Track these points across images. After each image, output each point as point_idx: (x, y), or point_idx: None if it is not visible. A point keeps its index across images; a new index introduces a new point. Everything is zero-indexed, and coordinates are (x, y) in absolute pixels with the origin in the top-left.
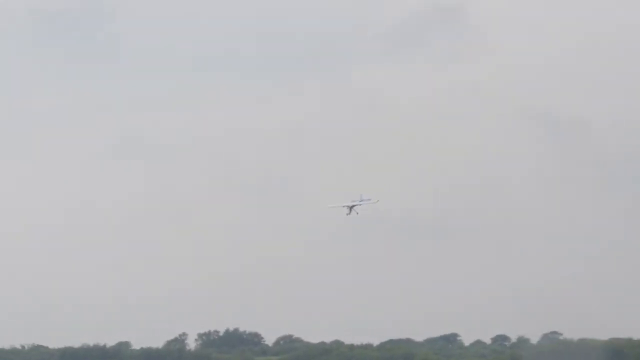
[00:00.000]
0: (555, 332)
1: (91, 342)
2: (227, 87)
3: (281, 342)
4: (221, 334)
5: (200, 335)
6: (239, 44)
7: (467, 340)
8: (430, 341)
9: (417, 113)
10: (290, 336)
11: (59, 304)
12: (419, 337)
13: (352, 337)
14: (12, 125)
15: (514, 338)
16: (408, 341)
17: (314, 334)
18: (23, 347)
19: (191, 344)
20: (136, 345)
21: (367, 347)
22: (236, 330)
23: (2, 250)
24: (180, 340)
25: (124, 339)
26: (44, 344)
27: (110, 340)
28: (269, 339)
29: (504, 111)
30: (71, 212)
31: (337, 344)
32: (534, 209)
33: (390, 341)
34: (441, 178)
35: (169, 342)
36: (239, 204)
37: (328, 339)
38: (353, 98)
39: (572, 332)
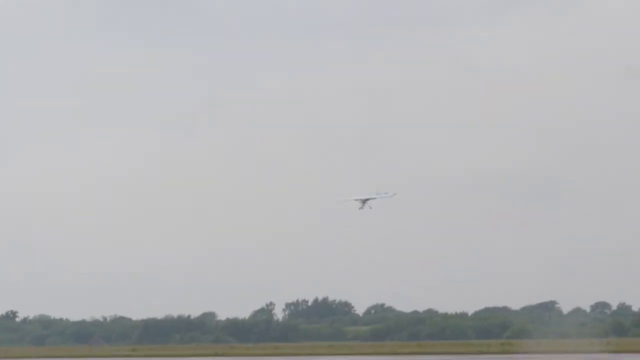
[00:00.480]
0: None
1: (175, 313)
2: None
3: (372, 311)
4: (310, 303)
5: (288, 305)
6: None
7: (565, 308)
8: (527, 309)
9: (515, 75)
10: (381, 305)
11: (141, 275)
12: (516, 305)
13: (446, 306)
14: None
15: (614, 305)
16: (504, 309)
17: (406, 303)
18: (105, 318)
19: (279, 314)
20: (222, 316)
21: (462, 316)
22: (325, 299)
23: (85, 223)
24: (267, 311)
25: (209, 310)
26: (127, 315)
27: (194, 311)
28: (360, 308)
29: (605, 69)
30: (153, 177)
31: (431, 312)
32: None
33: (486, 309)
34: (542, 139)
35: (256, 313)
36: (333, 168)
37: (421, 307)
38: (449, 58)
39: None
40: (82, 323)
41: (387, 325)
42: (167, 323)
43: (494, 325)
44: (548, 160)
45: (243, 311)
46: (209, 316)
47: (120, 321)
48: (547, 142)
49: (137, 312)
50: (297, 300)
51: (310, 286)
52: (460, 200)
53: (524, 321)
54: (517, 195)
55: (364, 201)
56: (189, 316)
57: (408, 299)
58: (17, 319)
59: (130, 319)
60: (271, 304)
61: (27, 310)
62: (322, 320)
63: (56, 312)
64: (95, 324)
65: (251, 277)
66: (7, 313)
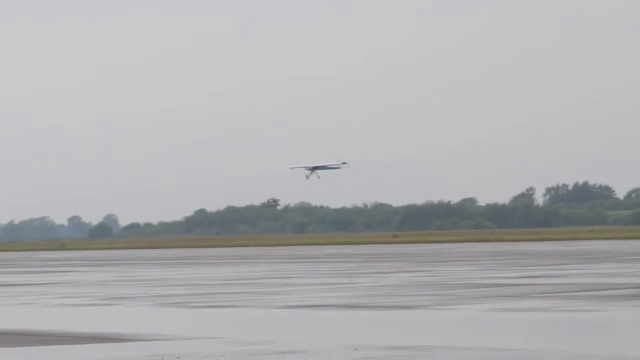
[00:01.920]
0: None
1: (435, 199)
2: None
3: (633, 195)
4: (570, 188)
5: (548, 190)
6: None
7: None
8: None
9: None
10: None
11: (402, 161)
12: None
13: None
14: None
15: None
16: None
17: None
18: (365, 205)
19: (539, 199)
20: (482, 201)
21: None
22: (585, 183)
23: (345, 112)
24: (527, 196)
25: (469, 196)
26: (387, 202)
27: (454, 197)
28: (620, 192)
29: None
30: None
31: None
32: None
33: None
34: None
35: (516, 198)
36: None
37: None
38: None
39: None
40: (343, 210)
41: None
42: (427, 209)
43: None
44: None
45: (503, 196)
46: (469, 202)
47: (380, 208)
48: None
49: (397, 198)
50: (557, 185)
51: (571, 170)
52: None
53: None
54: None
55: (312, 170)
56: (449, 202)
57: None
58: (279, 207)
59: (390, 206)
60: (531, 189)
61: (288, 198)
62: (583, 204)
63: (317, 199)
64: (356, 210)
65: (511, 162)
66: (268, 201)
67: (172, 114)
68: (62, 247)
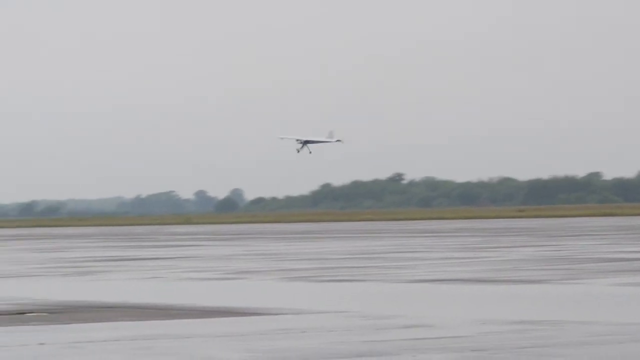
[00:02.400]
0: None
1: (561, 173)
2: None
3: None
4: None
5: None
6: None
7: None
8: None
9: None
10: None
11: (525, 135)
12: None
13: None
14: None
15: None
16: None
17: None
18: (491, 179)
19: None
20: (608, 175)
21: None
22: None
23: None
24: None
25: (595, 170)
26: (512, 176)
27: (580, 171)
28: None
29: None
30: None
31: None
32: None
33: None
34: None
35: None
36: None
37: None
38: None
39: None
40: (468, 185)
41: None
42: (552, 183)
43: None
44: None
45: (630, 170)
46: (595, 176)
47: (506, 182)
48: None
49: (523, 172)
50: None
51: None
52: None
53: None
54: None
55: (304, 143)
56: (574, 176)
57: None
58: (404, 182)
59: (515, 180)
60: None
61: (413, 172)
62: None
63: (442, 173)
64: (481, 185)
65: (638, 135)
66: (393, 175)
67: (299, 85)
68: (188, 221)
